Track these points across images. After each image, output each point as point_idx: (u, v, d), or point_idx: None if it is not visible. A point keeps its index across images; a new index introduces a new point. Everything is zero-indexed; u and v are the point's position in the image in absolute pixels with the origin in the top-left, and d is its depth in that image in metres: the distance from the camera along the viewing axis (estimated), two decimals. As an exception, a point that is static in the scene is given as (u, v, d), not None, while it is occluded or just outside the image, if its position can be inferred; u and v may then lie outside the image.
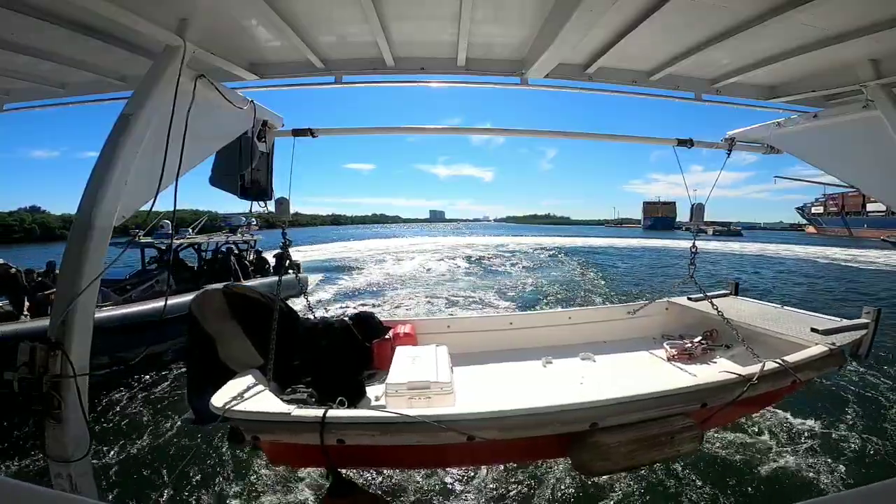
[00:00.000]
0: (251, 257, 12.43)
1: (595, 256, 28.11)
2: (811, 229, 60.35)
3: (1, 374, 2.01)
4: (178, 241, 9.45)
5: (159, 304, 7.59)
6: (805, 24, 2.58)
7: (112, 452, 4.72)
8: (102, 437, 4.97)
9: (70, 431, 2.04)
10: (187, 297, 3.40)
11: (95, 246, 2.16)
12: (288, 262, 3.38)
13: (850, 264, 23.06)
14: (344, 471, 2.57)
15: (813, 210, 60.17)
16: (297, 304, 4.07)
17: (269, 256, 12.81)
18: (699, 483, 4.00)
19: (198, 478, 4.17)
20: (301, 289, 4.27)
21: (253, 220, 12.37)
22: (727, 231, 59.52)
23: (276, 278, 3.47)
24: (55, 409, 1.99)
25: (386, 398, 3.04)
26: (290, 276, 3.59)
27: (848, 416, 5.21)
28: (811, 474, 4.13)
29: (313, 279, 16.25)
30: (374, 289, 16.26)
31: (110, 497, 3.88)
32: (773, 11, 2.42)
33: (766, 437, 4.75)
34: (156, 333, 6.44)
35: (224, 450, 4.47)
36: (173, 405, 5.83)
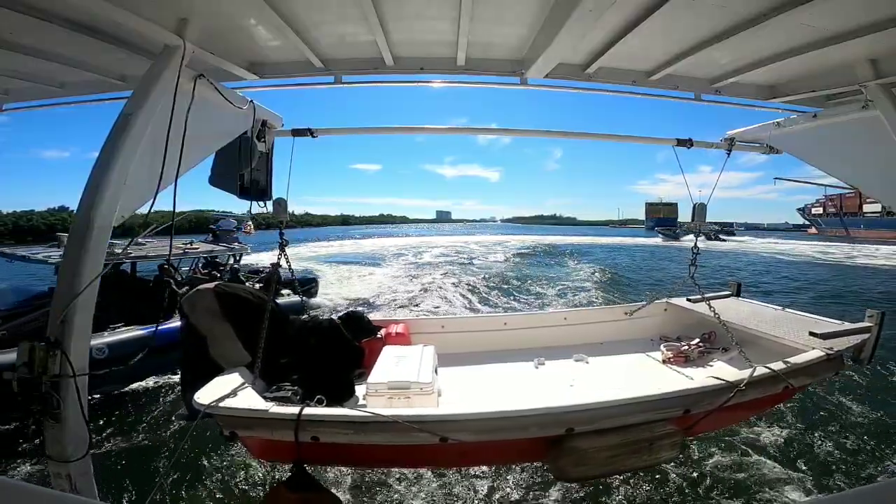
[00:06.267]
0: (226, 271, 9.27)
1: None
2: (812, 230, 60.31)
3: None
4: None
5: None
6: (805, 23, 2.57)
7: (112, 452, 4.71)
8: (102, 436, 4.96)
9: (69, 431, 2.03)
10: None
11: (95, 245, 2.16)
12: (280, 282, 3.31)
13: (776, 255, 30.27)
14: (321, 469, 2.49)
15: (813, 211, 60.11)
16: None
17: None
18: (686, 486, 3.93)
19: (196, 473, 4.15)
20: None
21: (250, 222, 9.74)
22: (723, 231, 59.49)
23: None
24: (54, 408, 1.98)
25: (366, 397, 3.05)
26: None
27: (846, 416, 5.20)
28: (806, 475, 4.09)
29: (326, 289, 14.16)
30: (381, 281, 17.14)
31: (110, 497, 3.87)
32: (773, 11, 2.42)
33: (758, 438, 4.70)
34: None
35: (222, 446, 4.46)
36: (172, 403, 5.82)
